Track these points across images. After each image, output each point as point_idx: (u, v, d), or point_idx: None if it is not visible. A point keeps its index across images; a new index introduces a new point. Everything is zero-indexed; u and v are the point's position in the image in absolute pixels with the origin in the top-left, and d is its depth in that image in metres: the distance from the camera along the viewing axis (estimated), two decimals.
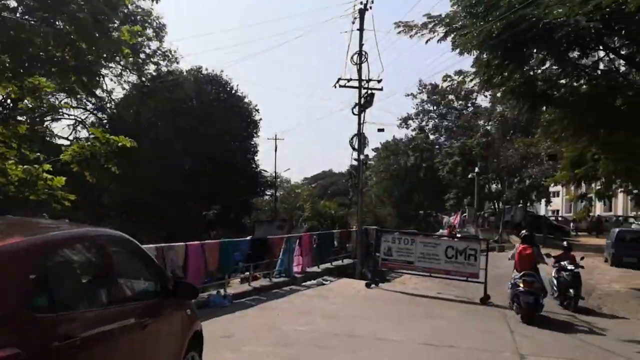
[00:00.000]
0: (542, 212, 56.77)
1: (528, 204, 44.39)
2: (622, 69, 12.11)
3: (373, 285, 14.12)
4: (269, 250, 13.89)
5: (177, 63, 36.22)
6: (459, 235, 32.76)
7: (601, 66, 11.97)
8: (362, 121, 18.32)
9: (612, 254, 25.22)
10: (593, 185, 20.36)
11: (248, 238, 14.27)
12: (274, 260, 14.24)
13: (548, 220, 42.92)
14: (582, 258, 13.67)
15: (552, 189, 45.41)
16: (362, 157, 18.17)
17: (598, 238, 41.75)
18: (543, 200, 48.86)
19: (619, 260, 24.87)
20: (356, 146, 18.45)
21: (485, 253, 13.26)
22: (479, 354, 7.92)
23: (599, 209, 56.82)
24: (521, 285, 10.62)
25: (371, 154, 67.76)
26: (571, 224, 47.73)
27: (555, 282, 13.31)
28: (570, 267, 13.01)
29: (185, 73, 42.11)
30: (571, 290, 12.77)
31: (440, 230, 42.07)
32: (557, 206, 62.93)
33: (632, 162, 15.66)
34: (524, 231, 13.25)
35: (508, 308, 11.91)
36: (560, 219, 50.54)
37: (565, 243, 14.70)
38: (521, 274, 10.95)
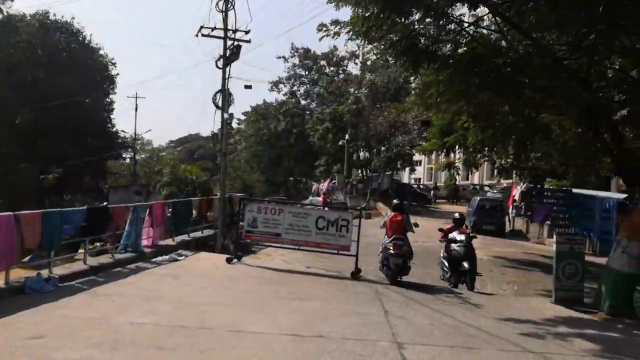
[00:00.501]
0: (406, 180, 58.90)
1: (394, 172, 45.36)
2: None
3: (235, 260, 12.55)
4: (110, 222, 11.66)
5: (12, 0, 31.03)
6: (336, 200, 32.29)
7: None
8: (227, 76, 16.39)
9: (473, 222, 26.05)
10: (459, 154, 20.46)
11: (84, 208, 11.88)
12: (117, 233, 12.07)
13: (412, 188, 44.25)
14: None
15: (416, 157, 46.89)
16: (226, 116, 16.28)
17: (456, 205, 43.96)
18: (407, 169, 50.45)
19: (479, 228, 25.74)
20: (220, 104, 16.54)
21: (357, 224, 12.19)
22: (352, 346, 6.70)
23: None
24: (391, 248, 11.34)
25: (242, 118, 65.62)
26: (431, 192, 49.93)
27: (445, 262, 12.40)
28: (460, 237, 12.26)
29: (29, 18, 36.69)
30: (465, 264, 11.71)
31: (310, 198, 41.52)
32: (419, 174, 65.82)
33: (499, 131, 15.57)
34: (395, 200, 13.32)
35: (378, 282, 11.28)
36: (422, 186, 52.62)
37: (457, 215, 13.94)
38: (392, 238, 11.62)
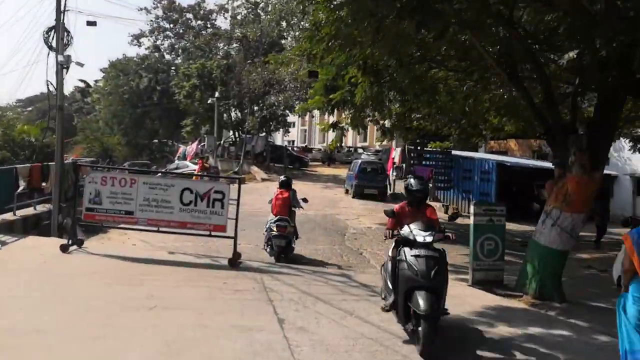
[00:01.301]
0: (279, 142, 56.86)
1: (269, 134, 42.96)
2: None
3: (74, 248, 9.51)
4: None
5: None
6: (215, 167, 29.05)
7: None
8: (63, 8, 12.72)
9: (355, 185, 24.64)
10: (346, 113, 18.60)
11: None
12: None
13: (288, 151, 42.24)
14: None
15: (290, 119, 44.83)
16: (61, 58, 12.62)
17: (331, 168, 42.97)
18: (281, 130, 48.30)
19: (361, 192, 24.42)
20: (54, 44, 12.88)
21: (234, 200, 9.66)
22: None
23: (330, 139, 59.64)
24: (275, 230, 10.94)
25: (99, 75, 58.75)
26: (307, 155, 48.48)
27: (389, 281, 6.50)
28: (421, 235, 6.06)
29: None
30: (420, 303, 5.54)
31: (176, 162, 37.86)
32: (293, 136, 64.14)
33: (385, 88, 13.97)
34: (282, 177, 12.29)
35: (262, 270, 9.18)
36: (296, 149, 50.96)
37: (413, 182, 6.95)
38: (276, 219, 11.10)
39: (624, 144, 20.27)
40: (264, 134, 40.44)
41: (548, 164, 28.62)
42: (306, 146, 55.77)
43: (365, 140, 52.93)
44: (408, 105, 16.75)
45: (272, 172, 34.86)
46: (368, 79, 13.60)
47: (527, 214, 24.41)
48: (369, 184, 24.42)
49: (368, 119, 18.61)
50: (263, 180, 31.62)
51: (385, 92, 14.68)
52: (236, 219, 9.46)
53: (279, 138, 60.40)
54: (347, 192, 26.32)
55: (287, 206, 11.26)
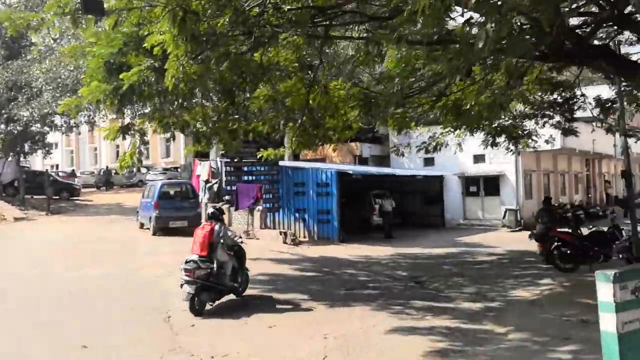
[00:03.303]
0: (40, 167, 45.73)
1: (22, 157, 32.75)
2: None
3: None
4: None
5: None
6: None
7: None
8: None
9: (155, 218, 17.96)
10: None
11: None
12: None
13: (52, 177, 32.70)
14: None
15: (50, 139, 35.16)
16: None
17: (109, 194, 34.98)
18: (40, 152, 37.96)
19: (166, 226, 17.86)
20: None
21: None
22: None
23: (105, 159, 49.98)
24: (184, 274, 8.71)
25: None
26: (76, 179, 39.44)
27: None
28: None
29: None
30: None
31: None
32: (57, 159, 52.91)
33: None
34: (210, 209, 10.10)
35: None
36: (61, 174, 41.18)
37: None
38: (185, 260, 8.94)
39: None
40: (13, 157, 30.41)
41: (388, 169, 25.81)
42: (73, 170, 46.00)
43: (148, 156, 45.12)
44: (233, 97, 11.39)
45: (29, 207, 25.77)
46: (186, 46, 8.03)
47: (366, 229, 20.70)
48: (175, 213, 17.99)
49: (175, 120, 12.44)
50: (16, 220, 22.71)
51: (213, 68, 9.04)
52: None
53: (37, 162, 48.83)
54: (142, 226, 19.44)
55: (205, 243, 8.98)
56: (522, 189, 23.56)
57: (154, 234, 17.80)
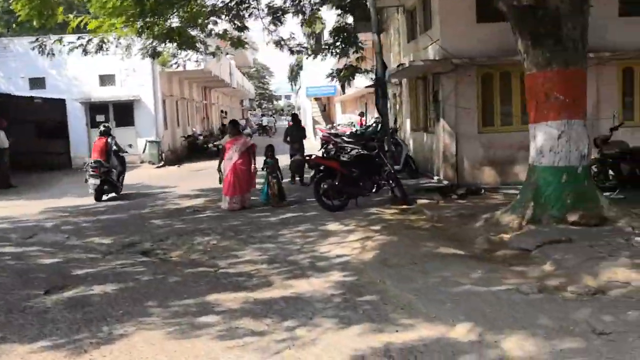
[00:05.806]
0: None
1: None
2: None
3: None
4: None
5: None
6: None
7: None
8: None
9: None
10: None
11: None
12: None
13: None
14: None
15: None
16: None
17: None
18: None
19: None
20: None
21: None
22: None
23: None
24: (90, 171, 11.30)
25: None
26: None
27: None
28: None
29: None
30: None
31: None
32: None
33: None
34: (102, 127, 12.59)
35: None
36: None
37: None
38: (90, 162, 11.50)
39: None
40: None
41: None
42: None
43: None
44: None
45: None
46: None
47: None
48: None
49: None
50: None
51: None
52: None
53: None
54: None
55: (102, 151, 11.63)
56: (161, 117, 20.14)
57: None
